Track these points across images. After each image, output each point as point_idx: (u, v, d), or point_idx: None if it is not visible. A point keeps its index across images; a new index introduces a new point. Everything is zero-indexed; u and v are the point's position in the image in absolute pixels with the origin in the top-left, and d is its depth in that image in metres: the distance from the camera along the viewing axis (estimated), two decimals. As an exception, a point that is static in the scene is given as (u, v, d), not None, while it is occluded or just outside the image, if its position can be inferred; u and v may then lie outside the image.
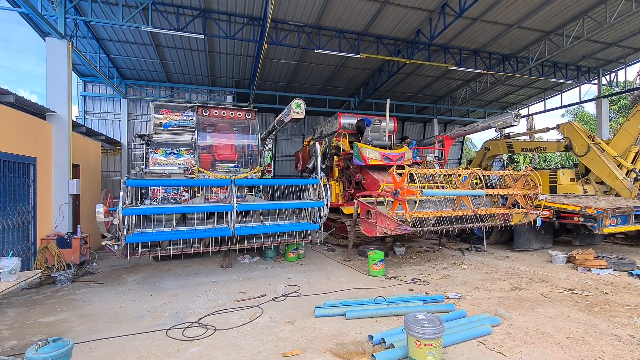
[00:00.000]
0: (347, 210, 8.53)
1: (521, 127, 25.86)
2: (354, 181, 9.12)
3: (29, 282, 4.26)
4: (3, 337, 3.96)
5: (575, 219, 7.40)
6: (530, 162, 24.84)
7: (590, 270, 6.47)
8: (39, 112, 7.27)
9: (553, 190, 10.75)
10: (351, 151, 8.85)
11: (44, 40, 7.86)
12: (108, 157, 13.57)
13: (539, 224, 7.46)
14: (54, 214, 7.30)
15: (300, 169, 12.59)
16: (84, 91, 13.32)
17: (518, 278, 6.09)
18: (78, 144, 8.79)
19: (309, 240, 7.22)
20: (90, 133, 10.89)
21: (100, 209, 5.27)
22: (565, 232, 9.51)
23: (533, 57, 12.42)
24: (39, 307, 4.98)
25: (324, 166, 9.88)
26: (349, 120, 10.15)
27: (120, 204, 5.30)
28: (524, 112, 19.56)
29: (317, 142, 8.19)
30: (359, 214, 7.24)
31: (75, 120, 9.44)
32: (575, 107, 19.91)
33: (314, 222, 6.96)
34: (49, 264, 6.44)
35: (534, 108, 19.49)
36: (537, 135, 15.63)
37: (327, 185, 6.99)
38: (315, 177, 7.08)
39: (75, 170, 8.58)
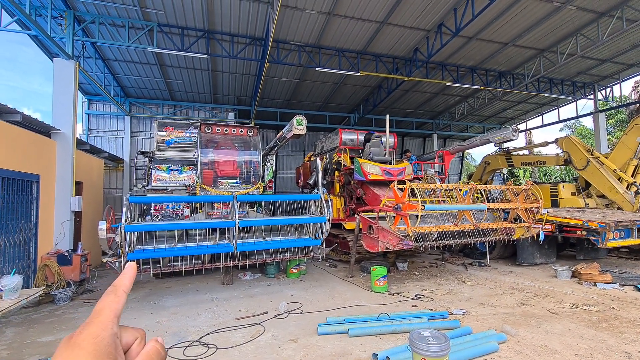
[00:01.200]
0: (348, 225, 8.50)
1: (520, 141, 26.12)
2: (355, 196, 9.13)
3: (29, 300, 4.23)
4: (1, 357, 3.88)
5: (578, 232, 7.36)
6: (531, 176, 24.88)
7: (595, 284, 6.39)
8: (45, 130, 7.39)
9: (554, 204, 10.72)
10: (352, 166, 8.91)
11: (52, 60, 8.08)
12: (110, 173, 13.66)
13: (542, 238, 7.40)
14: (55, 231, 7.30)
15: (301, 184, 12.63)
16: (89, 109, 13.56)
17: (523, 293, 6.01)
18: (81, 161, 8.87)
19: (311, 256, 7.17)
20: (94, 150, 11.01)
21: (102, 225, 5.28)
22: (568, 246, 9.43)
23: (529, 74, 12.69)
24: (37, 327, 4.91)
25: (325, 182, 9.92)
26: (349, 136, 10.27)
27: (123, 220, 5.30)
28: (522, 126, 19.80)
29: (318, 158, 8.25)
30: (360, 229, 7.21)
31: (79, 137, 9.57)
32: (572, 121, 20.10)
33: (316, 238, 6.93)
34: (48, 281, 6.38)
35: (532, 123, 19.73)
36: (536, 150, 15.74)
37: (329, 200, 7.00)
38: (317, 193, 7.10)
39: (78, 187, 8.62)
